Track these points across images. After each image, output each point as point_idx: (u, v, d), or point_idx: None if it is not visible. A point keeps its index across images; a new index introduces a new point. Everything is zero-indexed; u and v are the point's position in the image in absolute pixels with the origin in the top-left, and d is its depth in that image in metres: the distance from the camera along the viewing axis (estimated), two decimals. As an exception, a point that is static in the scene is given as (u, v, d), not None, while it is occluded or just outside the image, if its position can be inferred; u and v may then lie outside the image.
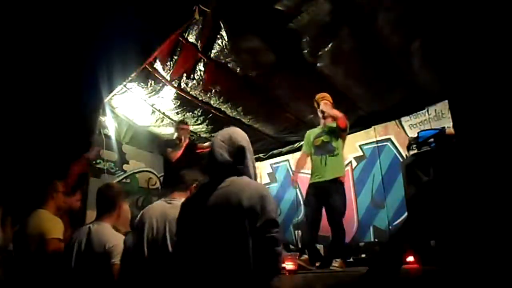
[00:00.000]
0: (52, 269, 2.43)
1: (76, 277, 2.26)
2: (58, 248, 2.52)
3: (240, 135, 1.73)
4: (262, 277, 1.46)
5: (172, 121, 5.19)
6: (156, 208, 2.05)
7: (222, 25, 3.54)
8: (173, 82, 4.43)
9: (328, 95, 3.89)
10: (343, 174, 3.63)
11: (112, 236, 2.25)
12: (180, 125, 4.71)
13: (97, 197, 2.45)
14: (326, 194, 3.50)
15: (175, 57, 4.00)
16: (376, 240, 4.68)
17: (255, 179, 1.72)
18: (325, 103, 3.79)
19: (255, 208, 1.49)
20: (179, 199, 2.07)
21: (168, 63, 4.10)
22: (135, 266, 1.98)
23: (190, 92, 4.58)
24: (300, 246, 3.42)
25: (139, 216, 2.13)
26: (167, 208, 2.02)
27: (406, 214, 3.73)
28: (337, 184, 3.53)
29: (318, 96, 3.88)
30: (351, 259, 4.01)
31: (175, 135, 4.68)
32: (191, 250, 1.56)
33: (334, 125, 3.71)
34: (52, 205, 2.74)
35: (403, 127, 4.78)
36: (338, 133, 3.69)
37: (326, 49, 3.71)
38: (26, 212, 2.76)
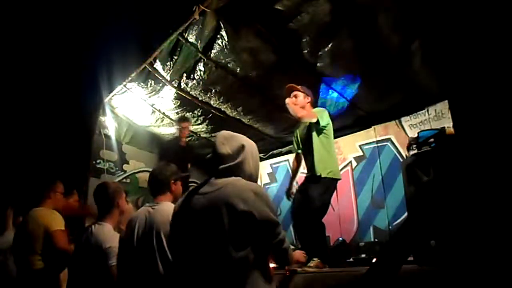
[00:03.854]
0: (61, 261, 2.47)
1: (75, 275, 2.29)
2: (63, 238, 2.55)
3: (241, 136, 1.74)
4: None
5: (171, 121, 5.19)
6: (141, 215, 2.06)
7: (222, 25, 3.54)
8: (173, 82, 4.44)
9: (293, 87, 3.40)
10: (327, 173, 3.19)
11: (110, 237, 2.23)
12: (181, 123, 4.72)
13: (94, 198, 2.44)
14: (305, 190, 3.25)
15: (175, 57, 4.01)
16: (376, 240, 4.68)
17: (256, 180, 1.70)
18: (290, 102, 3.29)
19: (251, 212, 1.45)
20: (162, 202, 2.09)
21: (168, 63, 4.10)
22: (126, 274, 2.00)
23: (190, 92, 4.58)
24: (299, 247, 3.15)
25: (127, 224, 2.12)
26: (151, 213, 2.03)
27: (406, 214, 3.72)
28: (319, 179, 3.17)
29: (285, 89, 3.44)
30: (351, 259, 4.01)
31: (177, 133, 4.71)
32: (185, 255, 1.56)
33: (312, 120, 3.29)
34: (49, 205, 2.72)
35: (403, 127, 4.78)
36: (315, 129, 3.33)
37: (326, 49, 3.71)
38: (24, 211, 2.77)
